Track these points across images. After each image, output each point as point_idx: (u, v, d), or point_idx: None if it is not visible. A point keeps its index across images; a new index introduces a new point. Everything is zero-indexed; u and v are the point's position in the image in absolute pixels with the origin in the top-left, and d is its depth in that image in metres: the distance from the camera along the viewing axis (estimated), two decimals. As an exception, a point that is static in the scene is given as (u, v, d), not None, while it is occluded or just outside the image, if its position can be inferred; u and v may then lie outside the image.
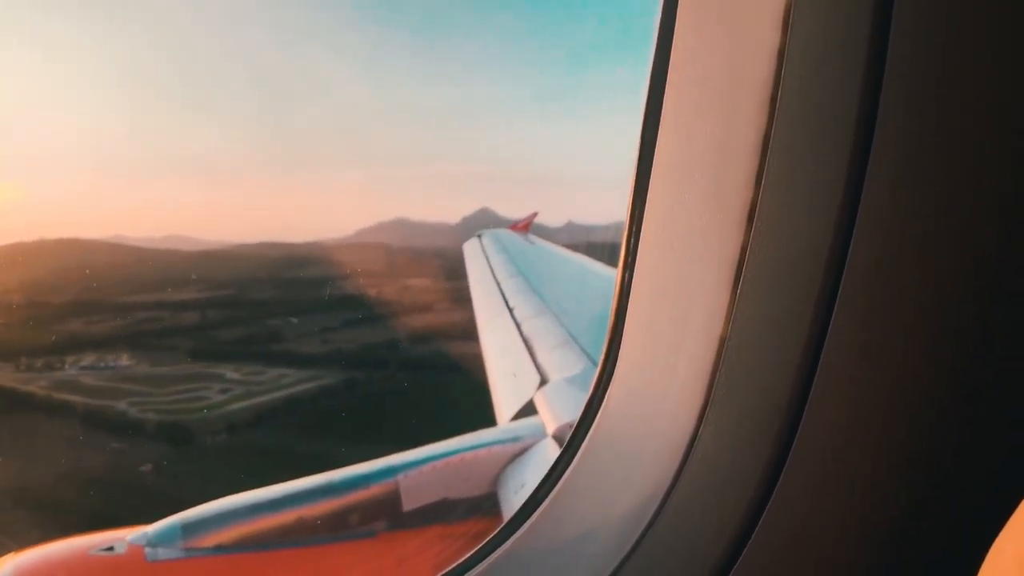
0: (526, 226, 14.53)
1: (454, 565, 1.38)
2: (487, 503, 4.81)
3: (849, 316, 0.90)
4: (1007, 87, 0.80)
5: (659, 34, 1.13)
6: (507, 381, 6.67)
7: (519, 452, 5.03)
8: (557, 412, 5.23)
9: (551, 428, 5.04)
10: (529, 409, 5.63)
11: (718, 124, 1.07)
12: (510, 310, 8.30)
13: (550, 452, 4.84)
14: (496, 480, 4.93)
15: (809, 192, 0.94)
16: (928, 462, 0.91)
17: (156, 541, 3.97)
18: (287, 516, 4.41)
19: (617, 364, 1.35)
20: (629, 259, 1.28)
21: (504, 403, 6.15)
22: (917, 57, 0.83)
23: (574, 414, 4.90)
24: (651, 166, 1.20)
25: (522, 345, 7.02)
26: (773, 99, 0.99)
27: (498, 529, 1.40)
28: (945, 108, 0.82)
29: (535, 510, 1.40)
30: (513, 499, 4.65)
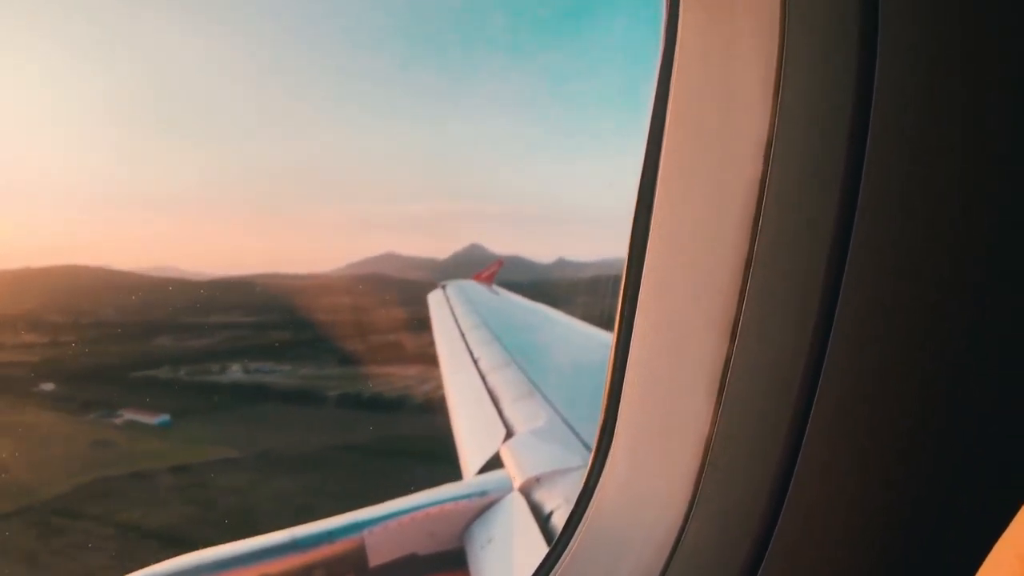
0: (490, 277, 14.60)
1: None
2: (454, 558, 4.77)
3: (825, 421, 0.98)
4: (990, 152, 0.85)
5: (650, 130, 1.23)
6: (472, 433, 6.66)
7: (486, 506, 5.02)
8: (523, 465, 5.24)
9: (518, 481, 5.05)
10: (495, 462, 5.63)
11: (704, 241, 1.18)
12: (475, 361, 8.31)
13: (517, 506, 4.84)
14: (463, 535, 4.90)
15: (788, 307, 1.03)
16: (910, 536, 0.97)
17: (118, 601, 3.86)
18: (250, 572, 4.32)
19: (608, 458, 1.42)
20: (619, 359, 1.37)
21: (469, 456, 6.13)
22: (907, 76, 0.88)
23: (540, 467, 4.93)
24: (640, 278, 1.30)
25: (487, 397, 7.03)
26: (755, 225, 1.09)
27: None
28: (942, 122, 0.87)
29: None
30: (480, 554, 4.62)
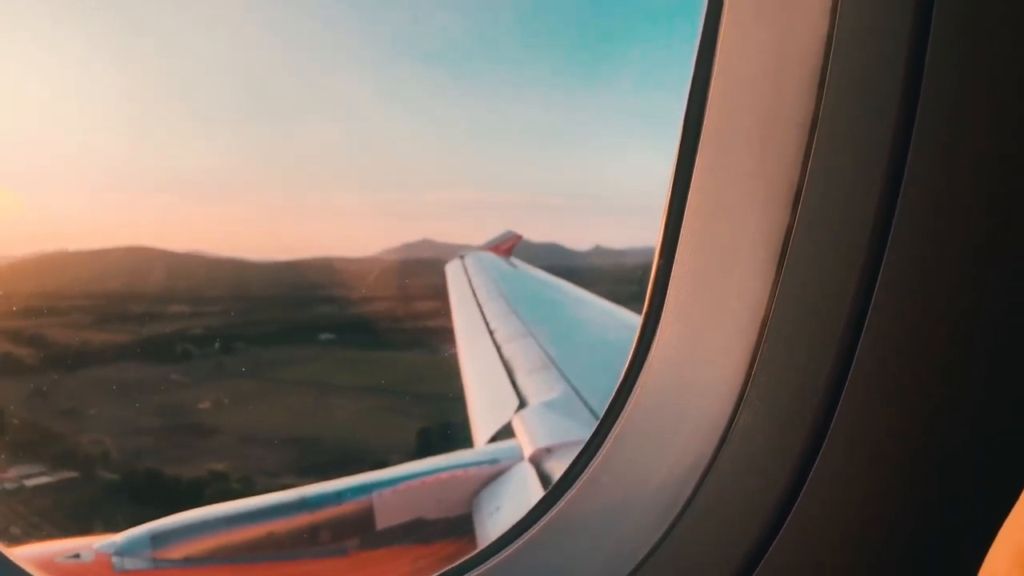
0: (508, 249, 14.52)
1: (489, 543, 1.35)
2: (461, 524, 4.77)
3: (890, 300, 0.92)
4: None
5: (706, 11, 1.13)
6: (485, 402, 6.65)
7: (495, 474, 5.01)
8: (534, 435, 5.21)
9: (528, 451, 5.02)
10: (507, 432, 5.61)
11: (765, 102, 1.08)
12: (490, 332, 8.28)
13: (526, 475, 4.82)
14: (471, 502, 4.89)
15: (855, 174, 0.95)
16: (960, 449, 0.93)
17: (124, 550, 3.88)
18: (258, 530, 4.34)
19: (653, 343, 1.33)
20: (668, 236, 1.26)
21: (481, 424, 6.12)
22: (959, 38, 0.85)
23: (551, 438, 4.89)
24: (696, 144, 1.18)
25: (501, 367, 7.01)
26: (821, 79, 0.99)
27: (530, 508, 1.38)
28: (989, 90, 0.84)
29: (570, 487, 1.38)
30: (488, 521, 4.62)
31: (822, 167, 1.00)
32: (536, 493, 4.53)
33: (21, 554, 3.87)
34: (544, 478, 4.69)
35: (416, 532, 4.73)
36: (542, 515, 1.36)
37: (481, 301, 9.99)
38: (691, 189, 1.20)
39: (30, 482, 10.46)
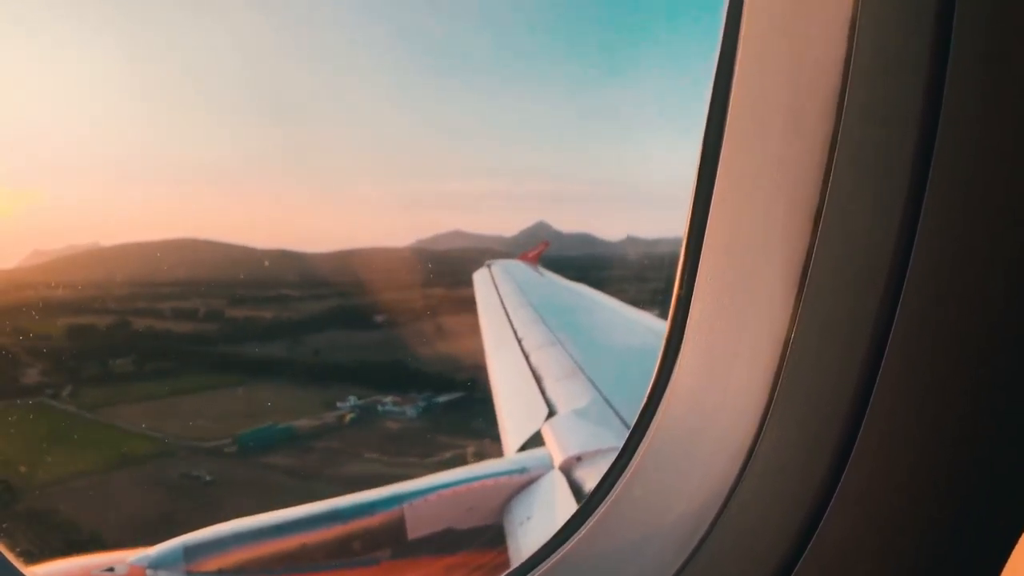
0: (535, 257, 14.52)
1: (514, 567, 1.36)
2: (492, 534, 4.76)
3: (912, 319, 0.91)
4: None
5: (724, 36, 1.14)
6: (514, 411, 6.64)
7: (525, 483, 4.99)
8: (564, 444, 5.18)
9: (558, 460, 5.00)
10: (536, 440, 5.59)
11: (785, 127, 1.08)
12: (518, 340, 8.27)
13: (557, 484, 4.79)
14: (502, 511, 4.88)
15: (874, 195, 0.95)
16: (987, 470, 0.92)
17: (158, 564, 3.93)
18: (290, 542, 4.36)
19: (676, 365, 1.34)
20: (690, 258, 1.27)
21: (511, 433, 6.10)
22: (979, 61, 0.84)
23: (581, 446, 4.86)
24: (716, 166, 1.19)
25: (530, 376, 6.99)
26: (840, 103, 0.99)
27: (555, 532, 1.38)
28: (1007, 113, 0.83)
29: (594, 511, 1.38)
30: (519, 531, 4.60)
31: (843, 185, 1.00)
32: (566, 502, 4.51)
33: (54, 569, 3.93)
34: (574, 486, 4.66)
35: (447, 542, 4.72)
36: (560, 545, 1.35)
37: (509, 310, 9.99)
38: (711, 208, 1.20)
39: (439, 400, 14.20)
